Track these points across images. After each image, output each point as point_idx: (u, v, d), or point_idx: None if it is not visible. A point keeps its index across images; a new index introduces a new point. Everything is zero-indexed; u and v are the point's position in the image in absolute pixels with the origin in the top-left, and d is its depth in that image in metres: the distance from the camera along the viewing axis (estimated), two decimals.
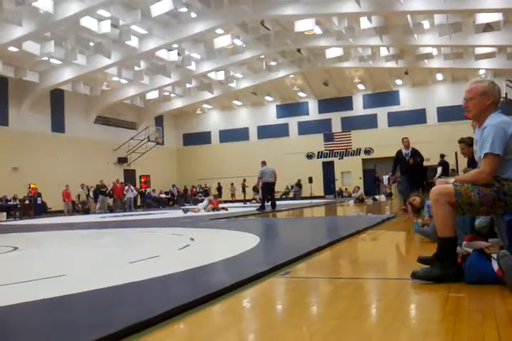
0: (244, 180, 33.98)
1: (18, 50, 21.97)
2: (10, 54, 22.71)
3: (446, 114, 33.12)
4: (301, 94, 38.42)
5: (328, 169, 37.76)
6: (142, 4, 20.55)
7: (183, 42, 24.98)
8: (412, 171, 11.07)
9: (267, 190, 17.47)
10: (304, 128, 38.56)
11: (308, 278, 3.87)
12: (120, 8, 20.90)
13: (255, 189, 31.37)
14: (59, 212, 26.10)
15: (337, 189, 37.12)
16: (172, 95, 34.54)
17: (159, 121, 38.72)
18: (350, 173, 37.23)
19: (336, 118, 38.08)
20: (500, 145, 3.22)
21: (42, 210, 25.52)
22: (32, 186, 26.12)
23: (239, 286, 3.31)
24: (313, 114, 38.92)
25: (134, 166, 34.87)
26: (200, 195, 34.66)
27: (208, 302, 2.90)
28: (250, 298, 3.19)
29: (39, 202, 25.64)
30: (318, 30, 25.51)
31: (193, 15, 22.26)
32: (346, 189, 35.80)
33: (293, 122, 39.20)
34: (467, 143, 6.13)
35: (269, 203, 17.48)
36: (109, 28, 20.78)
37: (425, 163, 12.18)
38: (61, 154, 28.36)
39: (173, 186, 35.53)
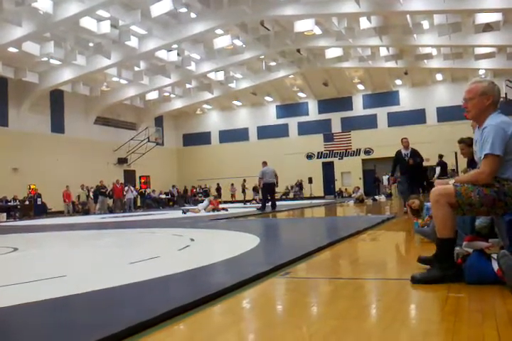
0: (244, 180, 33.99)
1: (17, 50, 21.98)
2: (9, 54, 22.71)
3: (446, 114, 33.14)
4: (300, 94, 38.44)
5: (328, 169, 37.77)
6: (142, 4, 20.55)
7: (182, 43, 24.99)
8: (412, 171, 11.06)
9: (267, 191, 17.49)
10: (304, 129, 38.57)
11: (309, 279, 3.87)
12: (120, 9, 20.91)
13: (255, 189, 31.41)
14: (59, 213, 26.10)
15: (337, 189, 37.13)
16: (172, 95, 34.55)
17: (159, 121, 38.73)
18: (350, 174, 37.24)
19: (335, 118, 38.09)
20: (500, 146, 3.22)
21: (42, 211, 25.53)
22: (32, 187, 26.12)
23: (239, 287, 3.31)
24: (313, 114, 38.93)
25: (134, 167, 34.87)
26: (200, 195, 34.66)
27: (208, 302, 2.90)
28: (250, 299, 3.19)
29: (39, 202, 25.65)
30: (317, 31, 25.52)
31: (193, 15, 22.27)
32: (346, 189, 35.81)
33: (293, 122, 39.22)
34: (467, 144, 6.14)
35: (270, 203, 17.51)
36: (109, 28, 20.78)
37: (425, 163, 12.18)
38: (61, 155, 28.36)
39: (173, 186, 35.53)
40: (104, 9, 20.07)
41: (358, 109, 37.79)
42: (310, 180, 36.80)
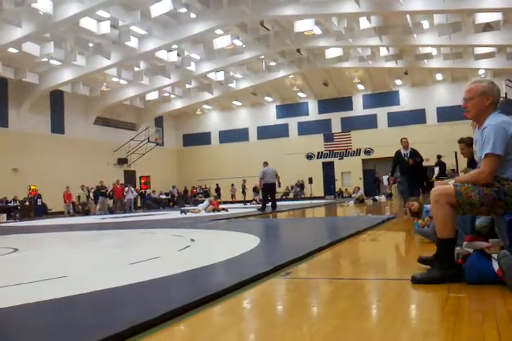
0: (244, 180, 33.98)
1: (17, 51, 21.97)
2: (9, 55, 22.71)
3: (446, 114, 33.12)
4: (300, 94, 38.43)
5: (328, 169, 37.77)
6: (142, 5, 20.55)
7: (182, 43, 24.99)
8: (412, 171, 11.03)
9: (268, 191, 17.49)
10: (304, 129, 38.57)
11: (309, 279, 3.87)
12: (119, 9, 20.91)
13: (255, 189, 31.41)
14: (59, 214, 26.10)
15: (337, 189, 37.12)
16: (172, 96, 34.54)
17: (159, 121, 38.72)
18: (350, 174, 37.24)
19: (335, 118, 38.09)
20: (501, 146, 3.22)
21: (42, 211, 25.51)
22: (32, 187, 26.09)
23: (239, 287, 3.32)
24: (313, 114, 38.92)
25: (134, 167, 34.86)
26: (200, 195, 34.67)
27: (208, 303, 2.91)
28: (251, 299, 3.19)
29: (39, 203, 25.63)
30: (317, 31, 25.51)
31: (193, 15, 22.26)
32: (346, 189, 35.80)
33: (293, 122, 39.21)
34: (467, 143, 6.14)
35: (270, 204, 17.52)
36: (109, 28, 20.77)
37: (424, 164, 12.16)
38: (61, 155, 28.35)
39: (173, 187, 35.53)
40: (104, 9, 20.07)
41: (358, 109, 37.79)
42: (310, 180, 36.81)
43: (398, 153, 11.29)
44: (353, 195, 26.18)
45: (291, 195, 36.75)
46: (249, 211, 18.03)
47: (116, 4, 20.14)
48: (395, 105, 36.54)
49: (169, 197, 34.56)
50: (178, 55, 26.12)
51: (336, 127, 38.12)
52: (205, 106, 40.64)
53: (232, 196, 35.48)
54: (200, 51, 26.92)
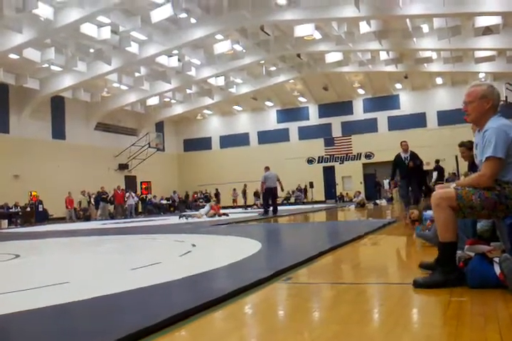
0: (245, 185, 34.02)
1: (18, 57, 22.04)
2: (10, 61, 22.78)
3: (447, 117, 33.13)
4: (301, 99, 38.48)
5: (329, 174, 37.76)
6: (142, 10, 20.61)
7: (183, 48, 25.05)
8: (412, 175, 11.00)
9: (269, 195, 17.60)
10: (305, 133, 38.58)
11: (310, 284, 3.86)
12: (120, 15, 20.97)
13: (256, 194, 31.41)
14: (60, 219, 26.09)
15: (338, 194, 37.07)
16: (172, 101, 34.59)
17: (160, 127, 38.77)
18: (350, 178, 37.21)
19: (336, 122, 38.10)
20: (502, 149, 3.22)
21: (43, 217, 25.50)
22: (33, 193, 26.11)
23: (241, 292, 3.31)
24: (314, 118, 38.95)
25: (135, 172, 34.88)
26: (201, 200, 34.66)
27: (209, 308, 2.90)
28: (252, 304, 3.18)
29: (40, 209, 25.63)
30: (317, 35, 25.58)
31: (193, 21, 22.33)
32: (347, 194, 35.76)
33: (293, 127, 39.24)
34: (467, 147, 6.14)
35: (271, 208, 17.57)
36: (109, 34, 20.85)
37: (424, 167, 12.16)
38: (62, 161, 28.37)
39: (174, 192, 35.53)
40: (105, 15, 20.13)
41: (359, 113, 37.82)
42: (311, 185, 36.79)
43: (398, 156, 11.25)
44: (353, 199, 26.18)
45: (292, 200, 36.71)
46: (250, 216, 18.03)
47: (116, 10, 20.21)
48: (396, 109, 36.57)
49: (170, 202, 34.56)
50: (178, 60, 26.17)
51: (337, 131, 38.13)
52: (206, 111, 40.69)
53: (234, 201, 35.50)
54: (201, 56, 27.00)
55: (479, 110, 3.45)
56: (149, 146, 33.93)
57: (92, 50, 23.12)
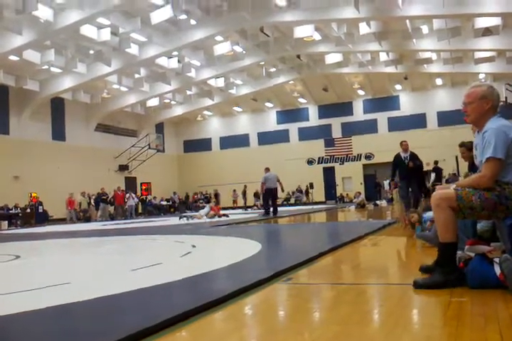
0: (245, 186, 34.04)
1: (18, 58, 22.05)
2: (10, 63, 22.79)
3: (447, 118, 33.13)
4: (301, 100, 38.48)
5: (329, 175, 37.75)
6: (142, 12, 20.63)
7: (182, 50, 25.05)
8: (412, 175, 10.97)
9: (269, 196, 17.66)
10: (305, 134, 38.59)
11: (311, 284, 3.86)
12: (120, 16, 20.98)
13: (256, 195, 31.42)
14: (60, 220, 26.09)
15: (338, 194, 37.07)
16: (172, 102, 34.62)
17: (160, 128, 38.77)
18: (351, 179, 37.21)
19: (336, 123, 38.10)
20: (502, 150, 3.22)
21: (43, 218, 25.50)
22: (33, 194, 26.11)
23: (241, 293, 3.31)
24: (314, 119, 38.95)
25: (135, 174, 34.88)
26: (201, 201, 34.66)
27: (210, 309, 2.90)
28: (252, 305, 3.18)
29: (40, 210, 25.63)
30: (317, 36, 25.56)
31: (193, 22, 22.34)
32: (347, 194, 35.75)
33: (293, 128, 39.24)
34: (468, 147, 6.14)
35: (271, 209, 17.62)
36: (109, 35, 20.85)
37: (424, 168, 12.13)
38: (62, 162, 28.37)
39: (174, 193, 35.54)
40: (105, 17, 20.13)
41: (359, 114, 37.82)
42: (311, 186, 36.81)
43: (398, 156, 11.18)
44: (354, 200, 26.18)
45: (292, 201, 36.71)
46: (250, 216, 18.05)
47: (116, 11, 20.20)
48: (396, 110, 36.58)
49: (170, 203, 34.56)
50: (178, 61, 26.18)
51: (337, 132, 38.14)
52: (206, 113, 40.70)
53: (234, 202, 35.51)
54: (201, 57, 27.00)
55: (479, 111, 3.45)
56: (149, 147, 33.95)
57: (91, 52, 23.13)
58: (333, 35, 24.67)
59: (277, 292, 3.57)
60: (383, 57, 28.33)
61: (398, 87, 35.86)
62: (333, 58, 28.48)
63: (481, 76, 31.87)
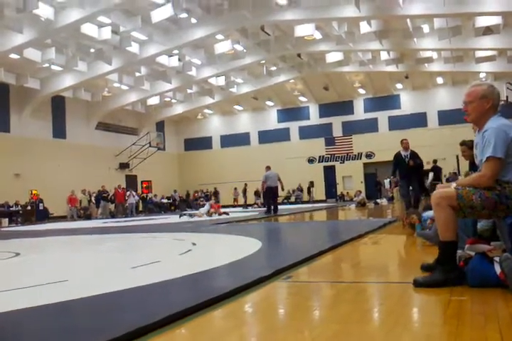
0: (246, 184, 34.06)
1: (19, 57, 22.04)
2: (11, 61, 22.77)
3: (447, 117, 33.09)
4: (301, 98, 38.46)
5: (330, 173, 37.74)
6: (142, 10, 20.61)
7: (183, 48, 25.03)
8: (412, 174, 10.96)
9: (270, 194, 17.69)
10: (305, 133, 38.57)
11: (311, 282, 3.86)
12: (120, 15, 20.97)
13: (257, 193, 31.43)
14: (61, 218, 26.12)
15: (338, 193, 37.08)
16: (173, 101, 34.60)
17: (160, 126, 38.76)
18: (351, 177, 37.20)
19: (336, 122, 38.07)
20: (502, 149, 3.22)
21: (44, 216, 25.54)
22: (34, 192, 26.15)
23: (241, 291, 3.31)
24: (314, 118, 38.92)
25: (136, 172, 34.89)
26: (201, 199, 34.67)
27: (209, 306, 2.90)
28: (252, 303, 3.18)
29: (41, 207, 25.66)
30: (318, 35, 25.55)
31: (193, 21, 22.32)
32: (348, 193, 35.77)
33: (294, 127, 39.21)
34: (468, 146, 6.13)
35: (272, 207, 17.65)
36: (110, 34, 20.84)
37: (424, 167, 12.11)
38: (63, 160, 28.38)
39: (175, 191, 35.56)
40: (105, 15, 20.12)
41: (359, 112, 37.79)
42: (312, 184, 36.83)
43: (398, 154, 11.16)
44: (354, 199, 26.20)
45: (292, 199, 36.72)
46: (251, 215, 18.06)
47: (117, 10, 20.20)
48: (396, 109, 36.54)
49: (171, 201, 34.59)
50: (179, 60, 26.16)
51: (337, 131, 38.11)
52: (207, 111, 40.68)
53: (235, 200, 35.54)
54: (201, 56, 26.98)
55: (479, 110, 3.44)
56: (150, 146, 33.93)
57: (92, 50, 23.12)
58: (334, 34, 24.65)
59: (277, 290, 3.57)
60: (384, 56, 28.32)
61: (399, 85, 35.82)
62: (333, 57, 28.47)
63: (482, 75, 31.82)
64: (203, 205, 21.55)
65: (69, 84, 25.99)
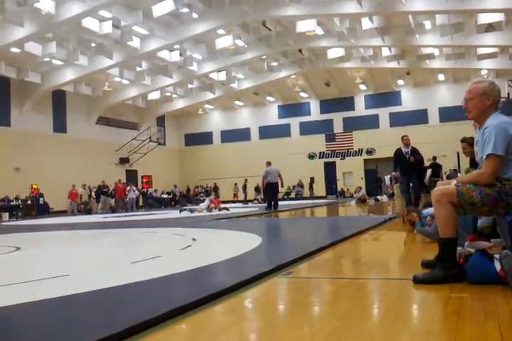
0: (246, 180, 34.07)
1: (20, 50, 22.01)
2: (12, 55, 22.75)
3: (448, 114, 33.06)
4: (302, 94, 38.41)
5: (330, 169, 37.75)
6: (144, 5, 20.57)
7: (184, 43, 24.99)
8: (413, 170, 10.96)
9: (270, 190, 17.70)
10: (306, 129, 38.55)
11: (310, 278, 3.87)
12: (122, 9, 20.92)
13: (257, 189, 31.44)
14: (61, 212, 26.15)
15: (339, 189, 37.09)
16: (174, 96, 34.57)
17: (161, 121, 38.73)
18: (351, 174, 37.21)
19: (337, 118, 38.05)
20: (502, 146, 3.22)
21: (44, 210, 25.57)
22: (34, 186, 26.17)
23: (241, 286, 3.32)
24: (315, 114, 38.90)
25: (136, 167, 34.90)
26: (202, 195, 34.70)
27: (210, 302, 2.91)
28: (252, 298, 3.19)
29: (41, 202, 25.69)
30: (319, 31, 25.50)
31: (195, 15, 22.27)
32: (348, 189, 35.79)
33: (295, 122, 39.19)
34: (469, 143, 6.12)
35: (272, 203, 17.67)
36: (111, 28, 20.81)
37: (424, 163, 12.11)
38: (63, 154, 28.38)
39: (175, 186, 35.57)
40: (106, 9, 20.09)
41: (360, 109, 37.76)
42: (312, 180, 36.84)
43: (399, 150, 11.17)
44: (354, 195, 26.17)
45: (292, 195, 36.75)
46: (251, 210, 18.08)
47: (118, 4, 20.15)
48: (397, 105, 36.51)
49: (171, 196, 34.61)
50: (180, 54, 26.12)
51: (338, 127, 38.09)
52: (207, 106, 40.65)
53: (235, 195, 35.56)
54: (202, 51, 26.93)
55: (480, 107, 3.44)
56: (150, 140, 33.92)
57: (93, 44, 23.08)
58: (336, 30, 24.60)
59: (277, 286, 3.58)
60: (385, 52, 28.26)
61: (400, 82, 35.78)
62: (335, 53, 28.42)
63: (484, 72, 31.77)
64: (203, 200, 21.58)
65: (70, 78, 25.96)
